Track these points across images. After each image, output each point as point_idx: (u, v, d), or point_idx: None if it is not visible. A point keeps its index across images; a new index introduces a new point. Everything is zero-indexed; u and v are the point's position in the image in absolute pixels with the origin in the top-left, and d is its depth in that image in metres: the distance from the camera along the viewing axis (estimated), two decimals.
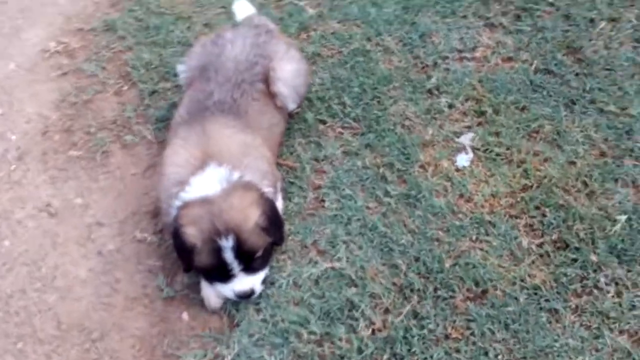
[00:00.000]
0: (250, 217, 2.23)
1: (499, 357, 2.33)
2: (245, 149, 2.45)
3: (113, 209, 2.79)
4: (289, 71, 2.74)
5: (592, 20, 3.25)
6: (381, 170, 2.79)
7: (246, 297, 2.36)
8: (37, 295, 2.59)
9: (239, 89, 2.58)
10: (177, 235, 2.23)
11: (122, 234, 2.73)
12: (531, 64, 3.11)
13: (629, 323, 2.39)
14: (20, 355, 2.46)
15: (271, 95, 2.69)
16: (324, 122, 2.95)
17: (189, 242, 2.21)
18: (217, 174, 2.29)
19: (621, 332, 2.38)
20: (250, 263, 2.29)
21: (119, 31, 3.33)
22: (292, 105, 2.82)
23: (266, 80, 2.67)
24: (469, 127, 2.92)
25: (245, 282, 2.32)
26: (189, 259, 2.26)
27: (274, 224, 2.31)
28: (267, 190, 2.39)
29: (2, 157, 2.96)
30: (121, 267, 2.65)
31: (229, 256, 2.22)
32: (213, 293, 2.47)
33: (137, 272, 2.63)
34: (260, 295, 2.49)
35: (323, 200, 2.74)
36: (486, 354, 2.34)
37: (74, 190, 2.85)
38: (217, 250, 2.21)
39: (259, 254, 2.30)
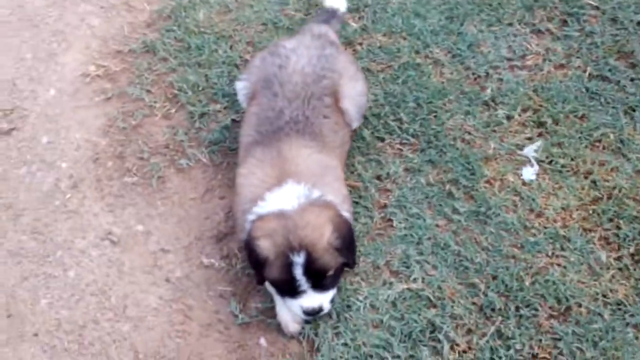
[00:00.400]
0: (324, 235, 2.23)
1: None
2: (325, 170, 2.47)
3: (176, 235, 2.78)
4: (357, 90, 2.76)
5: (639, 23, 3.26)
6: (447, 187, 2.81)
7: (314, 314, 2.36)
8: (110, 325, 2.59)
9: (309, 105, 2.56)
10: (250, 247, 2.26)
11: (189, 260, 2.72)
12: (584, 71, 3.13)
13: None
14: None
15: (339, 111, 2.68)
16: (382, 140, 2.96)
17: (262, 254, 2.23)
18: (295, 191, 2.30)
19: None
20: (320, 281, 2.29)
21: (159, 52, 3.30)
22: (355, 124, 2.84)
23: (333, 95, 2.66)
24: (530, 139, 2.94)
25: (313, 299, 2.32)
26: (261, 271, 2.27)
27: (347, 245, 2.31)
28: (346, 214, 2.39)
29: (55, 186, 2.93)
30: (191, 293, 2.64)
31: (298, 272, 2.22)
32: (291, 318, 2.48)
33: (209, 298, 2.63)
34: (331, 316, 2.50)
35: (390, 220, 2.74)
36: None
37: (133, 217, 2.84)
38: (288, 265, 2.21)
39: (330, 272, 2.29)
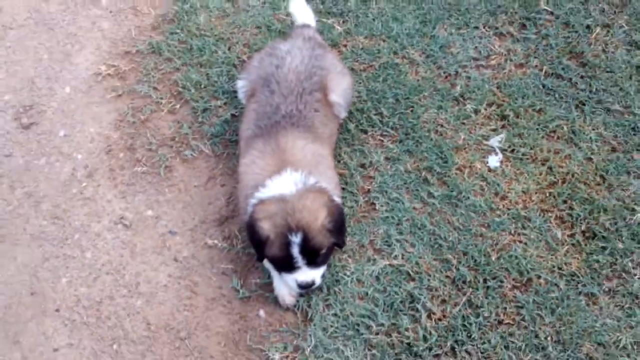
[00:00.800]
0: (319, 218, 2.23)
1: (549, 338, 2.39)
2: (318, 159, 2.46)
3: (182, 218, 2.75)
4: (343, 85, 2.74)
5: (588, 27, 3.27)
6: (422, 173, 2.81)
7: (307, 287, 2.36)
8: (124, 300, 2.57)
9: (302, 100, 2.54)
10: (252, 228, 2.26)
11: (194, 241, 2.70)
12: (541, 69, 3.13)
13: None
14: (117, 356, 2.45)
15: (328, 104, 2.65)
16: (365, 132, 2.94)
17: (263, 234, 2.23)
18: (293, 177, 2.30)
19: None
20: (314, 258, 2.29)
21: (164, 53, 3.24)
22: (343, 114, 2.83)
23: (322, 90, 2.63)
24: (494, 130, 2.94)
25: (307, 274, 2.32)
26: (262, 249, 2.26)
27: (338, 228, 2.31)
28: (337, 199, 2.38)
29: (71, 175, 2.88)
30: (197, 271, 2.63)
31: (295, 250, 2.23)
32: (286, 291, 2.47)
33: (213, 275, 2.62)
34: (322, 289, 2.51)
35: (373, 204, 2.74)
36: (537, 336, 2.39)
37: (143, 203, 2.80)
38: (287, 244, 2.22)
39: (323, 251, 2.30)
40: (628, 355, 2.33)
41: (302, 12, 3.03)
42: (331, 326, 2.44)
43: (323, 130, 2.57)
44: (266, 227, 2.23)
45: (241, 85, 2.81)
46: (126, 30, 3.38)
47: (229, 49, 3.24)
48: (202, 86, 3.11)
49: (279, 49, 2.70)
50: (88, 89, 3.16)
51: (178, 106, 3.08)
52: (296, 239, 2.21)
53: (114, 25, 3.41)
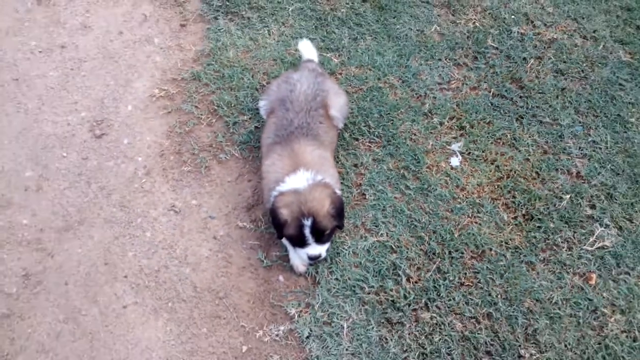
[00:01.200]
0: (325, 206, 2.23)
1: (499, 296, 2.38)
2: (323, 161, 2.44)
3: (219, 206, 2.72)
4: (340, 102, 2.72)
5: (525, 59, 3.25)
6: (401, 171, 2.78)
7: (315, 259, 2.35)
8: (176, 269, 2.54)
9: (309, 115, 2.53)
10: (274, 213, 2.27)
11: (229, 223, 2.67)
12: (489, 91, 3.10)
13: (579, 268, 2.46)
14: (172, 311, 2.42)
15: (328, 117, 2.64)
16: (357, 139, 2.91)
17: (283, 218, 2.24)
18: (305, 175, 2.29)
19: (574, 274, 2.46)
20: (320, 237, 2.28)
21: (203, 80, 3.19)
22: (341, 125, 2.81)
23: (324, 107, 2.62)
24: (455, 138, 2.92)
25: (316, 248, 2.31)
26: (281, 229, 2.27)
27: (339, 213, 2.29)
28: (338, 192, 2.36)
29: (134, 173, 2.84)
30: (231, 246, 2.60)
31: (307, 231, 2.24)
32: (299, 262, 2.46)
33: (243, 249, 2.59)
34: (327, 260, 2.50)
35: (364, 194, 2.72)
36: (490, 295, 2.39)
37: (189, 194, 2.77)
38: (300, 226, 2.23)
39: (327, 232, 2.29)
40: (559, 309, 2.34)
41: (307, 50, 3.00)
42: (334, 288, 2.43)
43: (325, 138, 2.55)
44: (285, 213, 2.22)
45: (262, 104, 2.79)
46: (173, 62, 3.32)
47: (252, 76, 3.19)
48: (232, 105, 3.07)
49: (291, 78, 2.68)
50: (145, 107, 3.11)
51: (214, 120, 3.03)
52: (307, 222, 2.20)
53: (164, 58, 3.35)
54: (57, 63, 3.29)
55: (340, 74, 3.22)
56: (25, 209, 2.70)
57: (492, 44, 3.32)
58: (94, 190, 2.78)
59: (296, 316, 2.36)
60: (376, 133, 2.92)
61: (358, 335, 2.29)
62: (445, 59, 3.27)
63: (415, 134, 2.93)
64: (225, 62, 3.27)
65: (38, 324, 2.36)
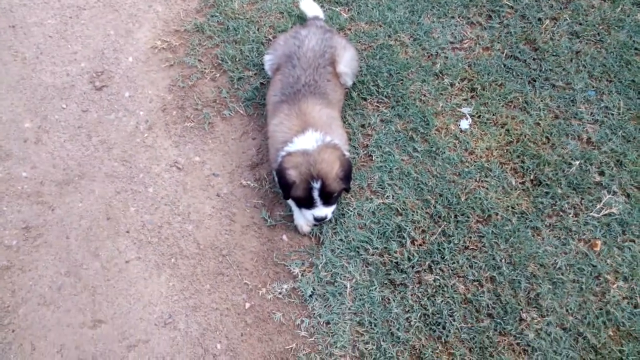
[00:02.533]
0: (334, 169, 2.19)
1: (503, 260, 2.38)
2: (332, 121, 2.39)
3: (222, 164, 2.69)
4: (348, 57, 2.64)
5: (540, 19, 3.14)
6: (409, 133, 2.73)
7: (321, 220, 2.33)
8: (179, 225, 2.52)
9: (317, 73, 2.45)
10: (281, 174, 2.21)
11: (232, 181, 2.64)
12: (502, 52, 3.02)
13: (584, 234, 2.45)
14: (175, 267, 2.43)
15: (336, 75, 2.57)
16: (365, 99, 2.85)
17: (291, 179, 2.19)
18: (314, 136, 2.23)
19: (580, 240, 2.44)
20: (328, 199, 2.26)
21: (206, 32, 3.10)
22: (349, 82, 2.74)
23: (332, 64, 2.55)
24: (465, 100, 2.85)
25: (322, 210, 2.29)
26: (288, 190, 2.22)
27: (348, 176, 2.27)
28: (347, 153, 2.33)
29: (136, 128, 2.79)
30: (235, 204, 2.58)
31: (315, 193, 2.21)
32: (304, 222, 2.44)
33: (246, 208, 2.57)
34: (331, 221, 2.48)
35: (370, 156, 2.68)
36: (494, 258, 2.38)
37: (192, 151, 2.73)
38: (309, 189, 2.20)
39: (335, 194, 2.27)
40: (562, 274, 2.34)
41: (310, 8, 2.93)
42: (338, 248, 2.42)
43: (333, 96, 2.49)
44: (293, 174, 2.19)
45: (268, 59, 2.71)
46: (176, 13, 3.22)
47: (258, 29, 3.09)
48: (237, 59, 2.98)
49: (299, 33, 2.60)
50: (147, 59, 3.02)
51: (218, 75, 2.96)
52: (316, 184, 2.18)
53: (166, 8, 3.24)
54: (56, 10, 3.18)
55: (349, 29, 3.12)
56: (24, 161, 2.65)
57: (507, 3, 3.21)
58: (95, 143, 2.73)
59: (299, 275, 2.36)
60: (385, 93, 2.85)
61: (361, 295, 2.30)
62: (459, 17, 3.17)
63: (425, 95, 2.86)
64: (229, 14, 3.16)
65: (39, 276, 2.36)
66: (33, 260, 2.40)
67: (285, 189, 2.23)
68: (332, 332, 2.22)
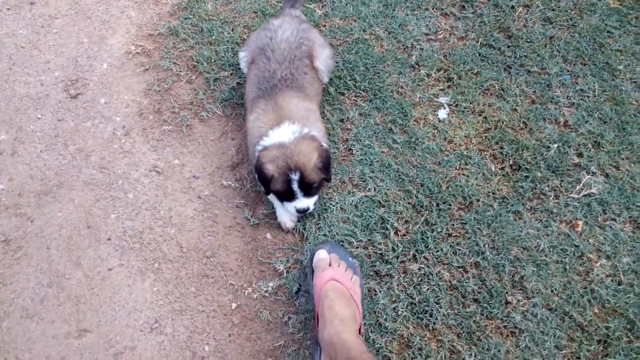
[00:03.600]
0: (312, 160, 2.20)
1: (486, 245, 2.40)
2: (309, 113, 2.39)
3: (202, 165, 2.68)
4: (325, 54, 2.64)
5: (513, 7, 3.18)
6: (388, 125, 2.75)
7: (303, 212, 2.34)
8: (161, 229, 2.51)
9: (293, 65, 2.44)
10: (259, 169, 2.22)
11: (213, 182, 2.64)
12: (477, 41, 3.04)
13: (565, 215, 2.48)
14: (158, 272, 2.41)
15: (313, 69, 2.56)
16: (342, 94, 2.86)
17: (269, 174, 2.20)
18: (290, 128, 2.24)
19: (561, 221, 2.47)
20: (308, 190, 2.27)
21: (181, 35, 3.09)
22: (326, 79, 2.74)
23: (309, 57, 2.54)
24: (442, 90, 2.87)
25: (304, 202, 2.30)
26: (268, 185, 2.24)
27: (326, 166, 2.27)
28: (325, 145, 2.34)
29: (113, 134, 2.78)
30: (216, 206, 2.57)
31: (295, 185, 2.22)
32: (287, 218, 2.44)
33: (229, 208, 2.56)
34: (314, 216, 2.49)
35: (351, 150, 2.69)
36: (477, 244, 2.40)
37: (171, 154, 2.72)
38: (288, 181, 2.21)
39: (315, 185, 2.28)
40: (545, 255, 2.36)
41: None
42: (322, 244, 2.42)
43: (311, 89, 2.49)
44: (270, 169, 2.19)
45: (243, 55, 2.69)
46: (149, 17, 3.21)
47: (232, 30, 3.10)
48: (212, 60, 2.99)
49: (272, 24, 2.59)
50: (121, 65, 3.01)
51: (194, 77, 2.96)
52: (295, 176, 2.18)
53: (139, 13, 3.23)
54: (27, 20, 3.16)
55: (324, 26, 3.13)
56: (1, 173, 2.63)
57: None
58: (72, 152, 2.71)
59: (285, 272, 2.36)
60: (362, 87, 2.87)
61: None
62: (432, 9, 3.19)
63: (402, 87, 2.88)
64: (203, 16, 3.16)
65: (21, 289, 2.34)
66: (14, 273, 2.38)
67: (264, 184, 2.24)
68: None
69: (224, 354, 2.19)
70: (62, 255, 2.42)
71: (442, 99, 2.84)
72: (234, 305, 2.30)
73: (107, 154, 2.71)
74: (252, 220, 2.51)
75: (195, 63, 2.98)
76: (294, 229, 2.47)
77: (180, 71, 2.97)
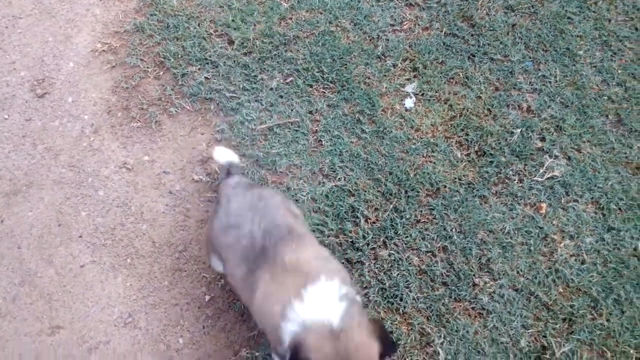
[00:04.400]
0: (375, 356, 1.55)
1: (454, 230, 2.46)
2: (323, 256, 1.86)
3: (173, 161, 2.69)
4: (298, 212, 2.17)
5: None
6: (356, 115, 2.79)
7: None
8: (133, 225, 2.52)
9: (273, 224, 1.89)
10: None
11: (184, 177, 2.65)
12: (441, 31, 3.10)
13: (530, 198, 2.55)
14: (131, 267, 2.43)
15: (293, 214, 2.04)
16: (310, 86, 2.89)
17: None
18: (323, 294, 1.63)
19: (526, 204, 2.54)
20: None
21: (147, 31, 3.09)
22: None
23: (285, 213, 1.99)
24: (408, 80, 2.92)
25: None
26: None
27: (390, 346, 1.59)
28: (357, 298, 1.74)
29: (81, 132, 2.77)
30: (188, 200, 2.59)
31: None
32: None
33: (200, 202, 2.59)
34: None
35: (320, 141, 2.73)
36: (445, 229, 2.46)
37: (141, 150, 2.72)
38: None
39: None
40: (511, 238, 2.44)
41: (224, 155, 2.39)
42: None
43: (300, 226, 1.96)
44: None
45: (214, 261, 2.12)
46: (114, 14, 3.19)
47: (198, 25, 3.10)
48: (180, 56, 2.99)
49: (227, 214, 1.99)
50: (88, 63, 3.00)
51: (161, 73, 2.96)
52: None
53: (104, 10, 3.22)
54: None
55: (290, 19, 3.15)
56: None
57: None
58: (41, 151, 2.70)
59: None
60: (330, 78, 2.90)
61: None
62: (397, 0, 3.24)
63: (369, 78, 2.92)
64: (169, 11, 3.16)
65: None
66: None
67: None
68: None
69: (198, 346, 2.22)
70: (33, 254, 2.42)
71: (409, 88, 2.89)
72: (207, 298, 2.33)
73: (76, 153, 2.70)
74: None
75: (162, 59, 2.98)
76: None
77: (148, 67, 2.97)
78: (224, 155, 2.38)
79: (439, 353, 2.16)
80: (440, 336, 2.20)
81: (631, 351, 2.18)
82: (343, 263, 2.39)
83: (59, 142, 2.73)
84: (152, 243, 2.47)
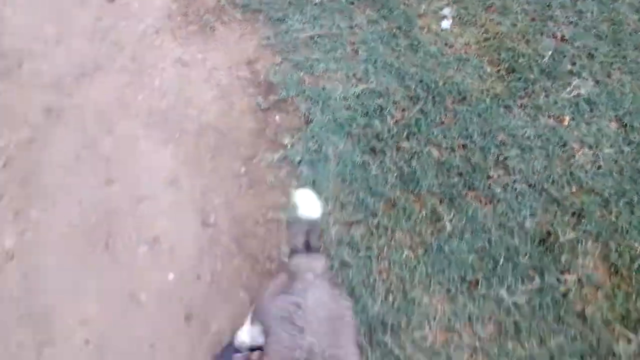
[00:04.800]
0: None
1: (475, 132, 2.63)
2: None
3: (222, 60, 2.97)
4: None
5: None
6: (394, 31, 2.98)
7: None
8: (183, 110, 2.81)
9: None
10: None
11: (230, 74, 2.92)
12: None
13: (553, 111, 2.68)
14: (179, 142, 2.69)
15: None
16: (352, 3, 3.10)
17: None
18: None
19: (549, 117, 2.67)
20: None
21: None
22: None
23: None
24: (447, 4, 3.07)
25: None
26: None
27: None
28: None
29: (144, 32, 3.09)
30: (233, 93, 2.86)
31: None
32: None
33: (244, 95, 2.85)
34: (319, 103, 2.72)
35: (357, 51, 2.93)
36: (467, 129, 2.62)
37: (196, 50, 3.02)
38: None
39: None
40: (531, 142, 2.57)
41: (307, 205, 1.92)
42: (325, 125, 2.68)
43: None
44: None
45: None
46: None
47: None
48: None
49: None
50: None
51: None
52: None
53: None
54: None
55: None
56: (45, 57, 2.98)
57: None
58: (108, 44, 3.04)
59: (289, 146, 2.63)
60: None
61: (344, 160, 2.56)
62: None
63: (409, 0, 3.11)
64: None
65: (59, 148, 2.68)
66: (54, 134, 2.72)
67: None
68: (317, 189, 2.50)
69: (232, 205, 2.48)
70: (95, 123, 2.75)
71: (446, 12, 3.05)
72: (242, 170, 2.59)
73: (139, 48, 3.02)
74: (263, 105, 2.79)
75: None
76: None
77: None
78: (306, 199, 1.92)
79: (446, 227, 2.34)
80: (450, 214, 2.37)
81: (636, 244, 2.28)
82: (367, 151, 2.60)
83: (125, 38, 3.06)
84: (199, 125, 2.75)
